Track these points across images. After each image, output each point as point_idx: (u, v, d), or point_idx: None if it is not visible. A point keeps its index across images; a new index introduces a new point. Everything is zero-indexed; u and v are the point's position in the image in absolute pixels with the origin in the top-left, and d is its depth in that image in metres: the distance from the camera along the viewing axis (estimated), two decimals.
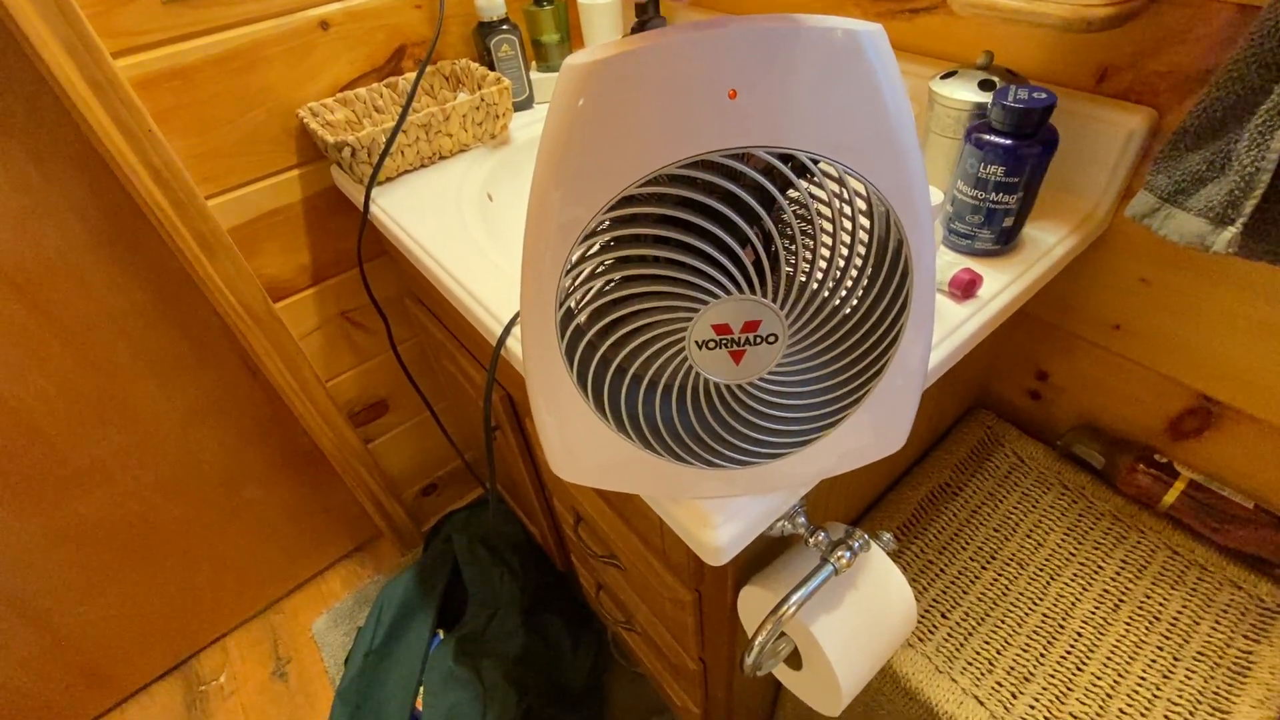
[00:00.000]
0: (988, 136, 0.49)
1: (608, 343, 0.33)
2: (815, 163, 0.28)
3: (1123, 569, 0.64)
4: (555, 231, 0.30)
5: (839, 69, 0.26)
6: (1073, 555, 0.65)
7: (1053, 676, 0.57)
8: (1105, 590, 0.62)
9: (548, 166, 0.29)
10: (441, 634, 1.04)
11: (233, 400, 0.98)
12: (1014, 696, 0.56)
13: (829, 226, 0.30)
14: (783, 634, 0.47)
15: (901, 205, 0.29)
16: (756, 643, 0.42)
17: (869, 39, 0.26)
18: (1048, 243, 0.55)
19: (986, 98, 0.51)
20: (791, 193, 0.30)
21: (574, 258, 0.31)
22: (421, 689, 0.96)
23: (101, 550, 0.98)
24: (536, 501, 0.90)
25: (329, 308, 0.93)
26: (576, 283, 0.31)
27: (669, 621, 0.66)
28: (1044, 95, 0.47)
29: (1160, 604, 0.61)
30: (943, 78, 0.55)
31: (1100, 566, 0.64)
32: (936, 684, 0.57)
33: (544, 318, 0.33)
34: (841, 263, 0.30)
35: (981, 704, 0.56)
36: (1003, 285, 0.52)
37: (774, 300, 0.30)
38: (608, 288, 0.31)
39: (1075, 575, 0.64)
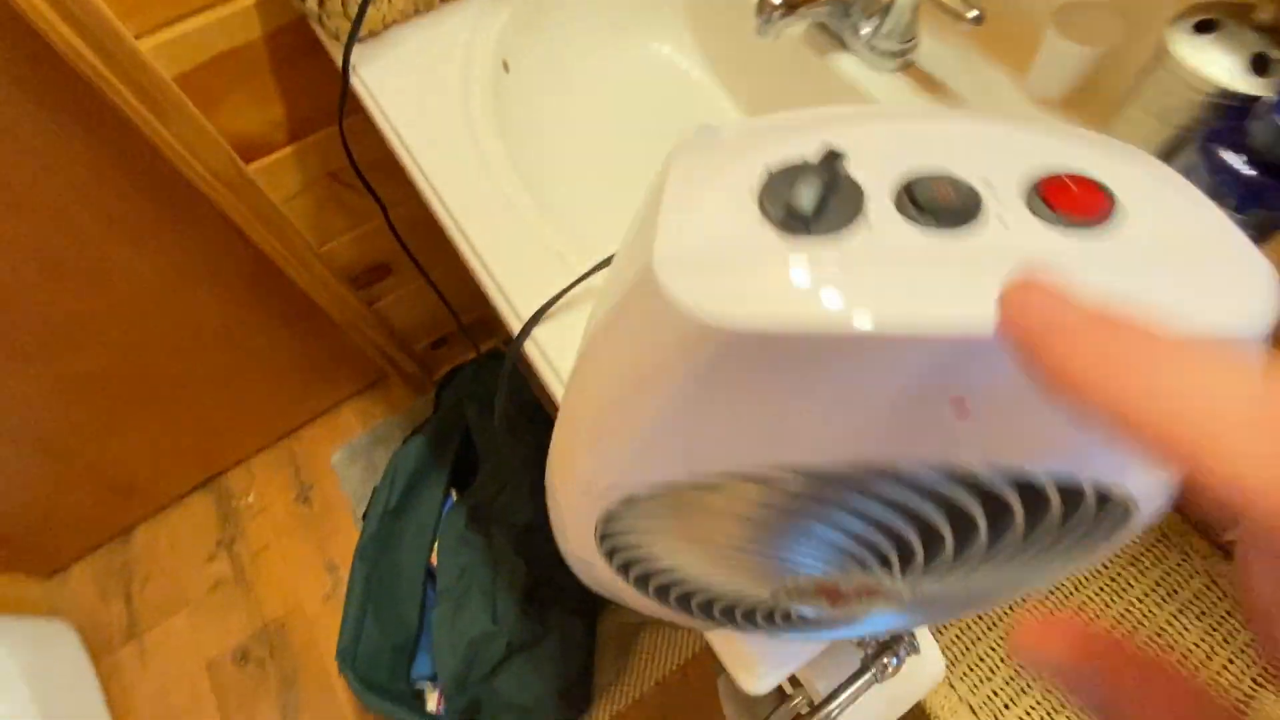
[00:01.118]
0: (1231, 159, 0.34)
1: (659, 565, 0.24)
2: (1053, 481, 0.17)
3: (1152, 591, 0.61)
4: (623, 464, 0.20)
5: None
6: (1103, 570, 0.63)
7: (1049, 692, 0.59)
8: (1127, 610, 0.61)
9: (627, 400, 0.18)
10: (455, 495, 1.08)
11: (222, 260, 0.88)
12: (1006, 708, 0.58)
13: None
14: None
15: (1150, 501, 0.19)
16: None
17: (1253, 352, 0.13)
18: None
19: (1251, 89, 0.34)
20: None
21: (639, 494, 0.21)
22: (436, 546, 1.03)
23: (110, 398, 0.97)
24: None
25: (314, 168, 0.78)
26: (634, 514, 0.22)
27: None
28: None
29: (1179, 634, 0.60)
30: (1194, 27, 0.36)
31: (1129, 585, 0.62)
32: (934, 692, 0.58)
33: (582, 511, 0.24)
34: (1026, 557, 0.21)
35: (974, 713, 0.58)
36: None
37: (909, 582, 0.22)
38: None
39: (1100, 590, 0.62)
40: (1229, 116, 0.35)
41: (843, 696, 0.39)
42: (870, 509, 0.18)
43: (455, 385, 1.16)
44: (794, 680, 0.45)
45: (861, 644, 0.40)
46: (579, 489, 0.22)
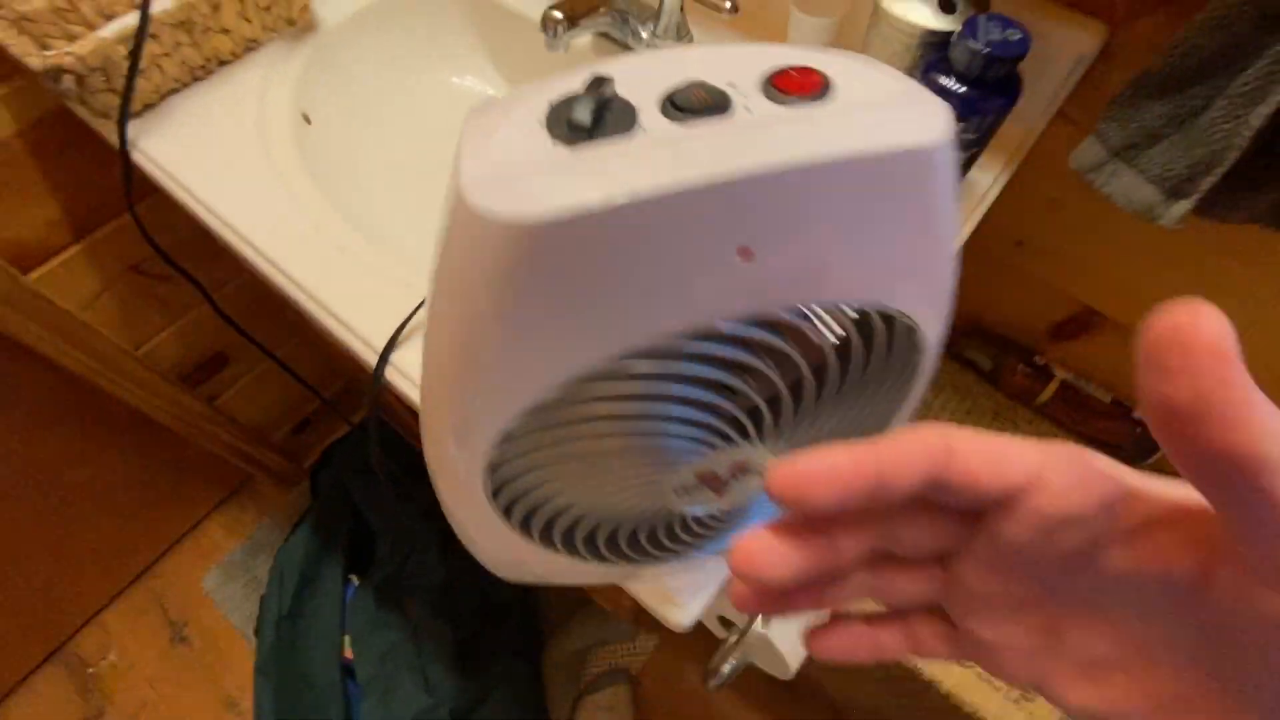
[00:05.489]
0: (946, 82, 0.41)
1: (550, 508, 0.25)
2: (842, 310, 0.20)
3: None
4: (486, 402, 0.21)
5: (892, 199, 0.18)
6: None
7: None
8: None
9: (468, 335, 0.19)
10: (356, 580, 1.00)
11: (17, 390, 0.76)
12: None
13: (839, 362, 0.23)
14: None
15: (929, 324, 0.23)
16: (725, 672, 0.42)
17: (940, 155, 0.17)
18: (984, 184, 0.51)
19: (946, 25, 0.42)
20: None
21: (512, 427, 0.22)
22: (347, 638, 0.94)
23: None
24: None
25: (110, 264, 0.71)
26: (512, 458, 0.23)
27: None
28: (1019, 38, 0.39)
29: None
30: None
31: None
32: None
33: (469, 471, 0.24)
34: (850, 395, 0.24)
35: None
36: None
37: (769, 445, 0.24)
38: (555, 461, 0.23)
39: None
40: (936, 50, 0.43)
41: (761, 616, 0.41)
42: (707, 373, 0.20)
43: (332, 466, 1.08)
44: (724, 621, 0.47)
45: None
46: (459, 454, 0.23)
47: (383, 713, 0.85)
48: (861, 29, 0.49)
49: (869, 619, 0.20)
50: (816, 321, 0.20)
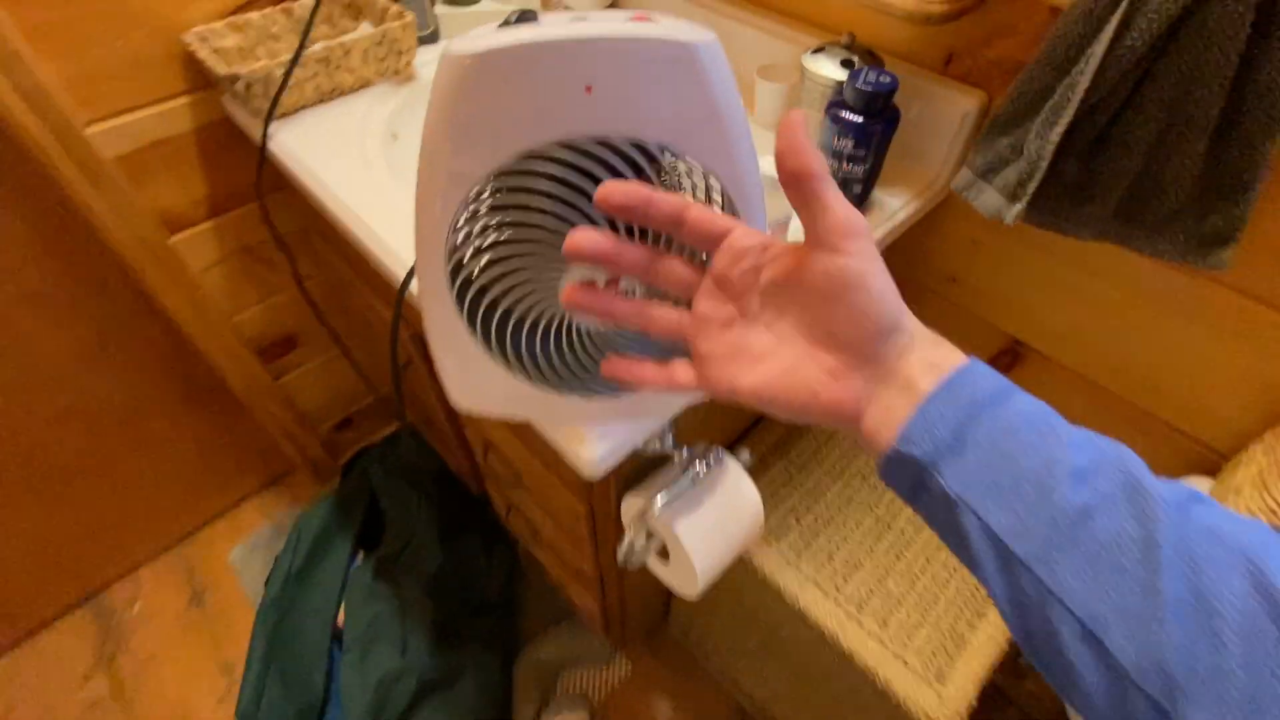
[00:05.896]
0: (842, 113, 0.56)
1: (493, 293, 0.38)
2: (661, 150, 0.34)
3: None
4: (442, 198, 0.35)
5: (677, 74, 0.32)
6: None
7: (877, 564, 0.71)
8: None
9: (432, 143, 0.33)
10: (361, 556, 1.10)
11: (128, 334, 0.96)
12: (845, 579, 0.69)
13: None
14: (652, 534, 0.56)
15: (731, 183, 0.36)
16: (627, 538, 0.51)
17: (705, 50, 0.32)
18: (894, 207, 0.64)
19: (846, 76, 0.58)
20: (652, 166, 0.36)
21: (460, 220, 0.36)
22: (342, 606, 1.03)
23: None
24: (450, 431, 0.95)
25: (229, 242, 0.92)
26: (462, 241, 0.36)
27: (568, 534, 0.75)
28: (889, 80, 0.54)
29: None
30: (813, 53, 0.61)
31: None
32: (785, 573, 0.69)
33: (436, 270, 0.38)
34: None
35: (819, 586, 0.69)
36: None
37: None
38: (492, 245, 0.37)
39: None
40: (838, 94, 0.59)
41: (669, 490, 0.51)
42: (573, 177, 0.33)
43: (362, 461, 1.22)
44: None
45: (680, 459, 0.53)
46: (429, 250, 0.36)
47: (359, 667, 0.92)
48: (801, 89, 0.66)
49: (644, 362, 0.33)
50: (646, 154, 0.33)
